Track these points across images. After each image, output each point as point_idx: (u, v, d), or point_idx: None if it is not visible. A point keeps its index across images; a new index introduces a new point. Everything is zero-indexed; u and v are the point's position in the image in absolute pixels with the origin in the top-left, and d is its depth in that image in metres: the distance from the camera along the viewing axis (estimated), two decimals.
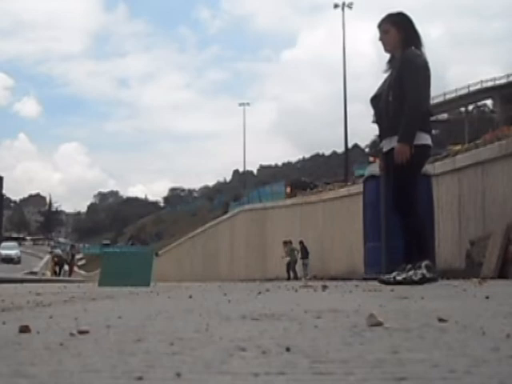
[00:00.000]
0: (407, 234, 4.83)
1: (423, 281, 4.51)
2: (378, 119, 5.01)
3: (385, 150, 4.96)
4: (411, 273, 4.59)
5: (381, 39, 5.08)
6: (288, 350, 0.99)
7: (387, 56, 5.07)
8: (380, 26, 5.10)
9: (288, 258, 20.28)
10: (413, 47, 4.93)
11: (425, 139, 4.85)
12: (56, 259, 31.42)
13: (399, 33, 4.97)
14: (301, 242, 20.40)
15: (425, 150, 4.87)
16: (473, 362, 0.86)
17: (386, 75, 5.06)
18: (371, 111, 5.13)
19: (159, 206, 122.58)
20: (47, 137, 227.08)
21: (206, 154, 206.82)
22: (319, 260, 17.68)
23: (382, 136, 5.03)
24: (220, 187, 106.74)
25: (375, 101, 5.03)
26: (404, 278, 4.56)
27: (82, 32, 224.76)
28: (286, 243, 20.47)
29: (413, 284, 4.44)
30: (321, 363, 0.87)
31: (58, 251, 33.50)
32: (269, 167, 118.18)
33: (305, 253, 20.23)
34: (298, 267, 19.90)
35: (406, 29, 4.99)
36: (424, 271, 4.57)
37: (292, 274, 20.00)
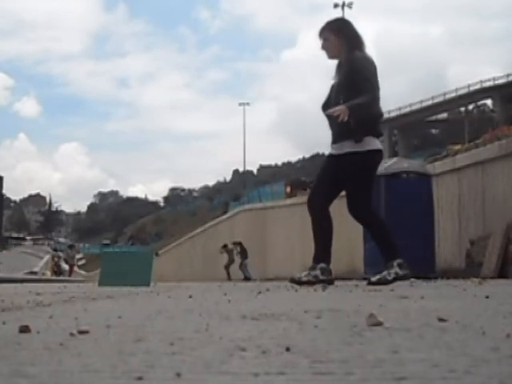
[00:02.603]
0: (373, 239, 5.01)
1: (397, 279, 4.70)
2: (329, 125, 5.02)
3: (335, 153, 4.95)
4: (385, 273, 4.78)
5: (322, 47, 5.10)
6: (288, 349, 0.99)
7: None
8: (320, 34, 5.12)
9: (226, 259, 21.42)
10: (356, 51, 4.93)
11: (375, 144, 4.89)
12: (56, 259, 31.44)
13: (339, 38, 5.00)
14: (239, 243, 21.13)
15: (376, 154, 4.91)
16: (473, 361, 0.86)
17: (334, 82, 5.07)
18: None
19: (159, 205, 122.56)
20: (47, 137, 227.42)
21: (206, 154, 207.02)
22: None
23: (333, 141, 4.99)
24: (220, 187, 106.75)
25: (326, 108, 5.05)
26: (379, 279, 4.75)
27: (81, 32, 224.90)
28: (225, 246, 21.58)
29: (387, 283, 4.61)
30: (321, 363, 0.87)
31: (59, 253, 33.51)
32: (269, 167, 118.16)
33: (244, 254, 21.02)
34: (235, 267, 21.00)
35: (346, 34, 5.01)
36: (397, 269, 4.76)
37: (227, 275, 20.98)
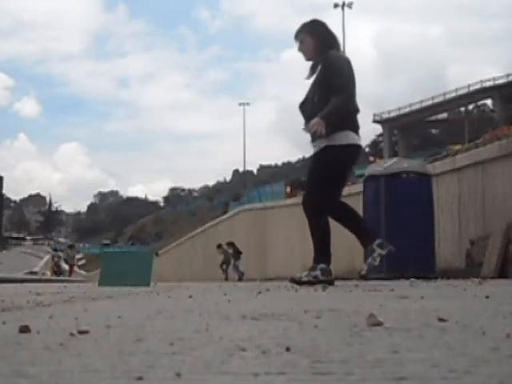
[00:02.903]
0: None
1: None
2: (304, 124, 5.06)
3: (315, 151, 5.02)
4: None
5: (299, 50, 5.16)
6: (288, 349, 0.99)
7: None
8: (296, 37, 5.19)
9: (222, 259, 21.53)
10: (332, 50, 5.00)
11: (351, 139, 4.91)
12: (56, 259, 31.44)
13: (315, 40, 5.07)
14: (232, 244, 21.24)
15: (350, 148, 4.91)
16: (473, 361, 0.86)
17: (310, 81, 5.11)
18: (301, 118, 5.14)
19: (159, 205, 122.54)
20: (47, 137, 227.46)
21: (206, 154, 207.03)
22: None
23: (312, 139, 5.03)
24: (220, 187, 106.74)
25: (303, 107, 5.07)
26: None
27: (82, 32, 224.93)
28: (220, 246, 21.64)
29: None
30: (321, 363, 0.87)
31: (59, 253, 33.50)
32: (269, 167, 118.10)
33: (236, 254, 21.09)
34: (231, 268, 21.05)
35: (321, 34, 5.09)
36: (318, 273, 4.81)
37: (224, 275, 21.04)
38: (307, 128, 4.81)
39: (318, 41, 5.06)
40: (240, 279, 19.69)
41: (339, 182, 5.07)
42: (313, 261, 4.91)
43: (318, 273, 4.82)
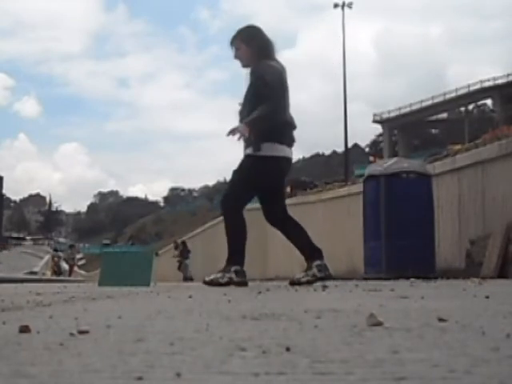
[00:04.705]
0: (226, 231, 5.04)
1: (230, 283, 4.78)
2: None
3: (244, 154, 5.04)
4: (219, 275, 4.86)
5: (235, 57, 5.12)
6: (288, 349, 0.99)
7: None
8: (231, 44, 5.14)
9: (178, 258, 21.41)
10: (265, 59, 4.93)
11: (276, 151, 4.88)
12: (56, 259, 31.43)
13: (250, 47, 5.01)
14: (183, 243, 21.15)
15: (272, 160, 4.89)
16: (473, 361, 0.86)
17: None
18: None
19: (159, 205, 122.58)
20: (47, 137, 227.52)
21: (205, 154, 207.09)
22: None
23: (244, 145, 5.05)
24: (220, 187, 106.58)
25: (240, 114, 5.05)
26: (211, 280, 4.86)
27: (82, 32, 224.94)
28: (177, 245, 21.53)
29: (218, 285, 4.72)
30: (321, 363, 0.87)
31: (59, 253, 33.49)
32: None
33: (185, 253, 20.98)
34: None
35: (256, 41, 5.03)
36: (232, 275, 4.84)
37: (183, 275, 20.95)
38: (230, 133, 4.77)
39: (252, 48, 5.00)
40: (187, 279, 19.49)
41: (257, 192, 5.13)
42: (305, 261, 4.92)
43: (314, 270, 4.80)
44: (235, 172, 5.07)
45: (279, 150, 4.90)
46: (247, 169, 4.95)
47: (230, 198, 5.04)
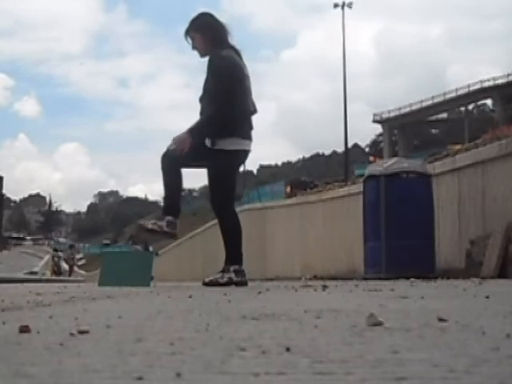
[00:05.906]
0: (221, 231, 5.04)
1: (229, 283, 4.79)
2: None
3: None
4: (219, 275, 4.89)
5: (193, 48, 5.04)
6: (288, 349, 0.99)
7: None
8: (186, 35, 5.05)
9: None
10: (218, 49, 4.87)
11: (237, 144, 4.88)
12: (56, 259, 31.45)
13: (205, 36, 4.95)
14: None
15: (235, 155, 4.90)
16: (473, 361, 0.86)
17: None
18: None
19: (159, 205, 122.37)
20: (47, 137, 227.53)
21: None
22: (319, 260, 17.69)
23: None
24: None
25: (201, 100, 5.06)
26: (210, 280, 4.87)
27: (81, 32, 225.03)
28: (134, 243, 22.04)
29: (218, 286, 4.73)
30: (321, 363, 0.87)
31: (59, 253, 33.51)
32: (269, 167, 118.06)
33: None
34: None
35: (211, 30, 4.96)
36: (232, 275, 4.86)
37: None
38: (173, 144, 4.78)
39: (207, 37, 4.93)
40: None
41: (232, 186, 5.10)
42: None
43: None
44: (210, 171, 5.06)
45: (239, 143, 4.90)
46: (216, 166, 4.94)
47: (216, 199, 5.03)
